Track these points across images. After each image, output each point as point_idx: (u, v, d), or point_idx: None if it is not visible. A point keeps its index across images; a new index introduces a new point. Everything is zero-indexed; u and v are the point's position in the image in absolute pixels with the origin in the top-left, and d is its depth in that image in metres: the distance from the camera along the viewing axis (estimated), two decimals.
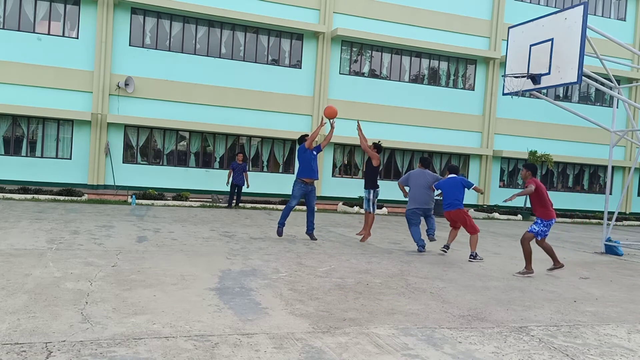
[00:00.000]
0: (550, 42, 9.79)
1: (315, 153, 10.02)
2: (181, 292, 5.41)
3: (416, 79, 22.38)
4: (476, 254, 8.83)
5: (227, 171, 17.23)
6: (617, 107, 11.96)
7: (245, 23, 19.70)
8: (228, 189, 16.57)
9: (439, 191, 9.54)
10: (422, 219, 9.80)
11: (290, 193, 10.10)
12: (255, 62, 20.18)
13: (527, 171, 8.06)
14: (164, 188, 18.65)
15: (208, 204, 16.75)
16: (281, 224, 9.87)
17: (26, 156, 18.22)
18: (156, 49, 19.03)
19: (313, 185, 10.01)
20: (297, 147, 10.43)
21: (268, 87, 20.13)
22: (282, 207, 16.59)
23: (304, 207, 10.17)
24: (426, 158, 10.43)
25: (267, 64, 20.34)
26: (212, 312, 4.75)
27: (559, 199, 23.99)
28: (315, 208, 10.23)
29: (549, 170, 23.99)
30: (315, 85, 20.69)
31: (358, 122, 10.85)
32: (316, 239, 10.00)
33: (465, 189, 9.22)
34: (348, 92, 21.12)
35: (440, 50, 21.77)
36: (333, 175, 21.35)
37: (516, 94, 10.53)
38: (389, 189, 17.19)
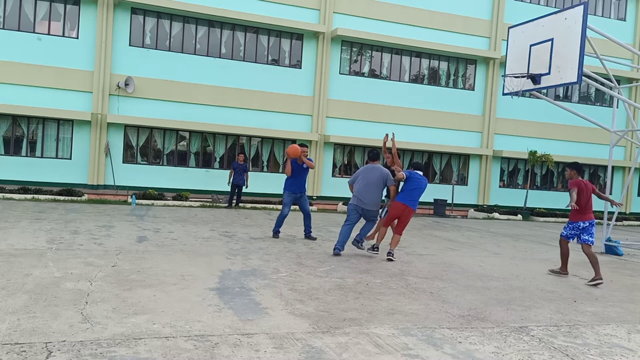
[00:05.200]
0: (550, 42, 9.79)
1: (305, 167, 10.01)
2: (181, 292, 5.41)
3: (416, 79, 22.38)
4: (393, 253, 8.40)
5: (228, 171, 17.38)
6: (617, 107, 11.96)
7: (245, 23, 19.70)
8: (229, 188, 16.58)
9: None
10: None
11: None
12: (255, 62, 20.17)
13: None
14: (164, 188, 18.64)
15: (208, 204, 16.75)
16: (276, 231, 10.05)
17: (26, 156, 18.21)
18: (156, 49, 19.03)
19: (302, 192, 10.05)
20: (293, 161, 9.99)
21: (268, 87, 20.13)
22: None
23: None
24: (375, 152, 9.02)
25: (267, 64, 20.34)
26: (212, 312, 4.75)
27: (559, 199, 24.00)
28: (312, 209, 10.14)
29: (549, 170, 23.99)
30: (315, 85, 20.69)
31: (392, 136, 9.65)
32: (315, 239, 10.03)
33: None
34: (348, 92, 21.12)
35: (440, 50, 21.77)
36: (333, 175, 21.36)
37: (516, 94, 10.53)
38: None
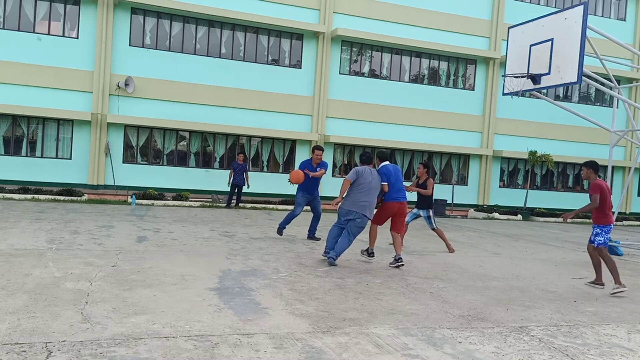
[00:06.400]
0: (550, 42, 9.79)
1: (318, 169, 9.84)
2: (181, 292, 5.41)
3: (416, 79, 22.38)
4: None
5: (228, 171, 17.39)
6: (617, 107, 11.96)
7: (245, 23, 19.70)
8: (228, 189, 16.57)
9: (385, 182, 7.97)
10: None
11: (294, 194, 10.03)
12: (255, 62, 20.18)
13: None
14: (164, 188, 18.64)
15: (208, 204, 16.75)
16: (282, 227, 9.92)
17: (26, 156, 18.21)
18: (156, 49, 19.03)
19: (315, 193, 9.96)
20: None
21: (268, 87, 20.13)
22: (282, 207, 16.62)
23: (309, 207, 10.19)
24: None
25: (267, 64, 20.34)
26: (212, 312, 4.75)
27: (559, 199, 24.01)
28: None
29: (549, 170, 23.99)
30: (315, 85, 20.69)
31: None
32: (319, 239, 9.96)
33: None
34: (348, 92, 21.12)
35: (440, 50, 21.77)
36: (333, 176, 21.34)
37: (516, 94, 10.52)
38: None
